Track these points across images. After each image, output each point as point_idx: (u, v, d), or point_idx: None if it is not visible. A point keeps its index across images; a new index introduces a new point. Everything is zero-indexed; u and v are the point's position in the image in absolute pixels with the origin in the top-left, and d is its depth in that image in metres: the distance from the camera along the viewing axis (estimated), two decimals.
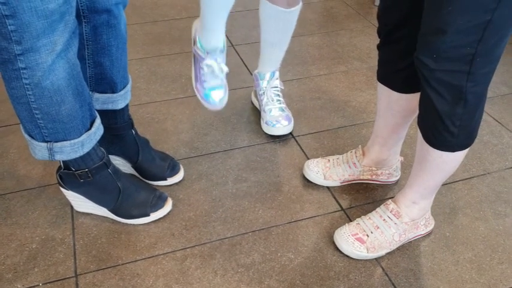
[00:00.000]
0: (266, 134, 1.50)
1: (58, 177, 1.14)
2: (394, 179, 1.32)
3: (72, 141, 1.02)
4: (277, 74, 1.52)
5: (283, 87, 1.56)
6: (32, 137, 1.02)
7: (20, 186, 1.30)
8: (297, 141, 1.48)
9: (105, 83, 1.15)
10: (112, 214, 1.19)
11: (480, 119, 0.97)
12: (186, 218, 1.22)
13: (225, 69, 1.27)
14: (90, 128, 1.05)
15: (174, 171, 1.30)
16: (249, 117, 1.56)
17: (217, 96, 1.31)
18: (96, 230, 1.18)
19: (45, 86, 0.92)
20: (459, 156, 1.01)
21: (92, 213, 1.21)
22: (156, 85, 1.73)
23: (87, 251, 1.13)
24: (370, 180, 1.31)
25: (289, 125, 1.49)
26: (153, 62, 1.87)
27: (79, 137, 1.03)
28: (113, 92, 1.17)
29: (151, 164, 1.28)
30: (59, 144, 1.01)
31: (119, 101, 1.18)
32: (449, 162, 1.02)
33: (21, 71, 0.90)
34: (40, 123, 0.98)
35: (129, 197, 1.17)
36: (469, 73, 0.87)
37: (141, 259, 1.11)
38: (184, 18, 2.21)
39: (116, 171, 1.16)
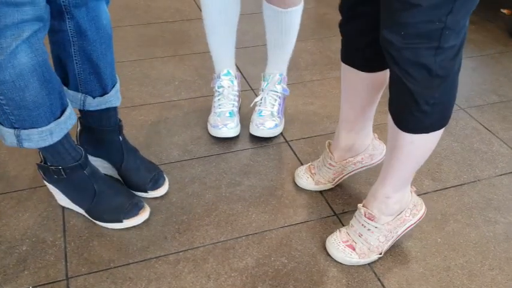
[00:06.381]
0: (260, 138, 1.50)
1: (37, 168, 1.14)
2: (380, 157, 1.29)
3: (40, 129, 1.01)
4: (277, 77, 1.51)
5: (287, 93, 1.54)
6: (1, 123, 1.02)
7: (10, 187, 1.28)
8: (290, 146, 1.49)
9: (93, 80, 1.13)
10: (87, 214, 1.18)
11: (454, 97, 0.96)
12: (179, 221, 1.21)
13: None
14: (60, 117, 1.04)
15: (156, 184, 1.27)
16: (242, 121, 1.56)
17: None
18: (87, 233, 1.17)
19: (7, 70, 0.91)
20: (431, 140, 0.99)
21: (77, 212, 1.20)
22: (149, 87, 1.72)
23: (78, 253, 1.12)
24: (356, 169, 1.29)
25: (274, 128, 1.48)
26: (146, 64, 1.86)
27: (47, 125, 1.01)
28: (104, 91, 1.16)
29: (134, 174, 1.26)
30: (26, 131, 1.00)
31: (112, 100, 1.18)
32: (421, 146, 0.99)
33: None
34: (6, 109, 0.97)
35: (104, 200, 1.16)
36: (437, 48, 0.86)
37: (134, 262, 1.10)
38: (177, 21, 2.21)
39: (94, 172, 1.15)
